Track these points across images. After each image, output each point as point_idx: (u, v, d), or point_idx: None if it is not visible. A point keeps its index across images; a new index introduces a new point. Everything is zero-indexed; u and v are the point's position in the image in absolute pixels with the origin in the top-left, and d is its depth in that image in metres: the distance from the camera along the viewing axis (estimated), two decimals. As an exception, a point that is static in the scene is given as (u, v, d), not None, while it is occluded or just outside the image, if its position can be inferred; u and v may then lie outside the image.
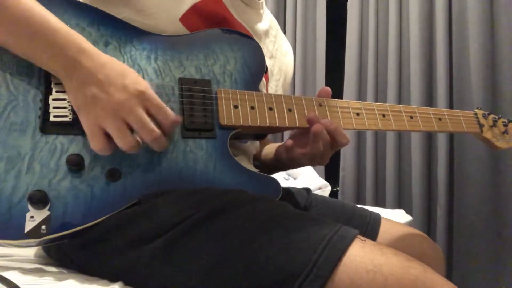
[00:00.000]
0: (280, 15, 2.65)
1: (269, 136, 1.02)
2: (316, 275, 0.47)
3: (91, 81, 0.57)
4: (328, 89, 0.80)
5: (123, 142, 0.57)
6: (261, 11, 0.90)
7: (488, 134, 0.96)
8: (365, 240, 0.51)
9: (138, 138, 0.59)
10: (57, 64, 0.58)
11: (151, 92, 0.59)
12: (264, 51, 0.87)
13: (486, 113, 0.98)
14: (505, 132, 0.99)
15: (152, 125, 0.58)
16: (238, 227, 0.53)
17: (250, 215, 0.54)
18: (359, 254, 0.49)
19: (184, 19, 0.73)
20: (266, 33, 0.91)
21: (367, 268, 0.47)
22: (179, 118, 0.63)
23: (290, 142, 0.78)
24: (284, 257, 0.49)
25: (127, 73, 0.59)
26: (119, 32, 0.67)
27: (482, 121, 0.96)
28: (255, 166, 0.86)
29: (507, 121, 1.00)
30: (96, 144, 0.57)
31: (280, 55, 0.95)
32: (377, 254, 0.49)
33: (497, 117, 0.99)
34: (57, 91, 0.60)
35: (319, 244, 0.49)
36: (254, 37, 0.79)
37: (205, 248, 0.52)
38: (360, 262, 0.48)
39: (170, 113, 0.61)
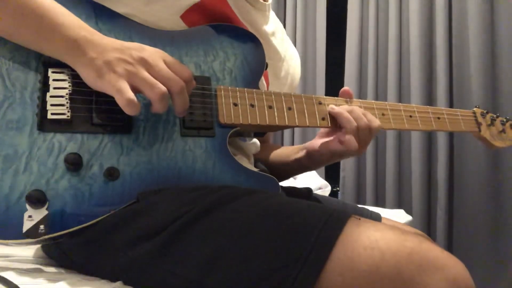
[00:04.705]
0: (280, 15, 2.65)
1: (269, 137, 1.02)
2: (315, 257, 0.47)
3: (111, 49, 0.58)
4: (348, 89, 0.83)
5: (154, 91, 0.57)
6: (267, 13, 0.90)
7: (485, 133, 0.96)
8: (359, 219, 0.52)
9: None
10: (69, 41, 0.58)
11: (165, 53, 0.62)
12: (271, 52, 0.86)
13: (485, 111, 0.98)
14: (503, 131, 0.99)
15: (177, 77, 0.60)
16: (235, 218, 0.53)
17: (247, 205, 0.55)
18: (355, 232, 0.49)
19: (185, 16, 0.73)
20: (273, 34, 0.90)
21: (364, 245, 0.48)
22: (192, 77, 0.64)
23: (323, 136, 0.83)
24: (282, 243, 0.49)
25: (138, 43, 0.62)
26: (117, 26, 0.67)
27: (480, 119, 0.96)
28: (261, 170, 0.86)
29: (504, 120, 1.00)
30: (125, 95, 0.56)
31: (288, 57, 0.95)
32: (373, 231, 0.50)
33: (495, 116, 0.99)
34: (55, 88, 0.59)
35: (315, 227, 0.49)
36: (260, 39, 0.79)
37: (204, 242, 0.52)
38: (357, 240, 0.48)
39: (187, 69, 0.62)
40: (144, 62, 0.58)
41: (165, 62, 0.60)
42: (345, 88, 0.83)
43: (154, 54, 0.60)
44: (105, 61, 0.57)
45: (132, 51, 0.59)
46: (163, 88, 0.58)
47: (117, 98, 0.57)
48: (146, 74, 0.58)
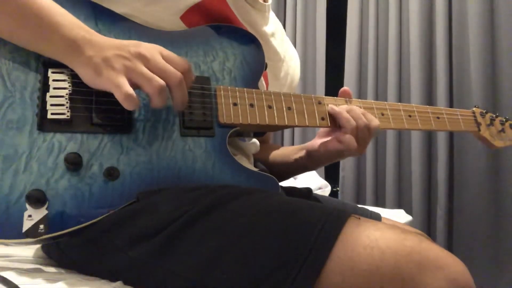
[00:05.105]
0: (280, 15, 2.65)
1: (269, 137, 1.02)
2: (315, 256, 0.47)
3: (108, 46, 0.59)
4: (348, 89, 0.84)
5: (151, 85, 0.58)
6: (267, 14, 0.90)
7: (485, 133, 0.97)
8: (359, 218, 0.52)
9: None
10: (68, 41, 0.58)
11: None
12: (271, 53, 0.86)
13: (484, 111, 0.98)
14: (502, 130, 0.99)
15: (174, 69, 0.60)
16: (235, 218, 0.53)
17: (247, 205, 0.55)
18: (355, 232, 0.49)
19: (185, 17, 0.73)
20: (273, 35, 0.90)
21: (364, 244, 0.48)
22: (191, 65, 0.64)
23: (323, 136, 0.84)
24: (282, 242, 0.49)
25: (135, 40, 0.62)
26: (117, 27, 0.67)
27: (480, 119, 0.96)
28: (261, 170, 0.86)
29: (504, 119, 1.00)
30: (123, 89, 0.56)
31: (288, 58, 0.96)
32: (372, 230, 0.50)
33: (494, 115, 0.99)
34: (54, 88, 0.60)
35: (315, 226, 0.50)
36: (260, 39, 0.79)
37: (204, 241, 0.52)
38: (356, 239, 0.49)
39: (185, 61, 0.62)
40: (141, 57, 0.58)
41: (162, 56, 0.60)
42: (345, 88, 0.83)
43: (151, 48, 0.60)
44: (103, 58, 0.58)
45: (130, 47, 0.59)
46: (161, 81, 0.58)
47: (115, 93, 0.57)
48: (143, 69, 0.58)
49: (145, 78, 0.58)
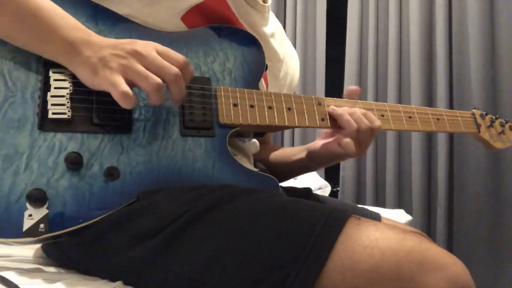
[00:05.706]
0: (280, 15, 2.65)
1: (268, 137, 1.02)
2: (315, 256, 0.48)
3: (105, 46, 0.59)
4: (355, 88, 0.83)
5: (148, 82, 0.58)
6: (267, 15, 0.90)
7: (485, 135, 0.97)
8: (359, 218, 0.52)
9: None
10: (66, 42, 0.58)
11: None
12: (270, 54, 0.86)
13: (484, 113, 0.98)
14: (502, 132, 0.99)
15: (170, 64, 0.60)
16: (235, 218, 0.53)
17: (246, 205, 0.55)
18: (355, 232, 0.50)
19: (186, 17, 0.73)
20: (272, 36, 0.90)
21: (364, 244, 0.48)
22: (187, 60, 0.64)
23: (324, 137, 0.84)
24: (282, 242, 0.49)
25: (131, 39, 0.63)
26: (118, 27, 0.67)
27: (480, 121, 0.97)
28: (261, 170, 0.86)
29: (504, 121, 1.00)
30: (119, 88, 0.56)
31: (288, 58, 0.96)
32: (372, 230, 0.50)
33: (494, 117, 0.99)
34: (55, 88, 0.60)
35: (316, 226, 0.50)
36: (260, 40, 0.79)
37: (205, 241, 0.52)
38: (356, 239, 0.49)
39: (181, 56, 0.62)
40: (137, 54, 0.59)
41: (158, 52, 0.60)
42: (353, 87, 0.82)
43: (146, 45, 0.60)
44: (99, 58, 0.58)
45: (125, 45, 0.59)
46: (157, 79, 0.58)
47: (112, 92, 0.57)
48: (139, 67, 0.58)
49: (141, 76, 0.58)
